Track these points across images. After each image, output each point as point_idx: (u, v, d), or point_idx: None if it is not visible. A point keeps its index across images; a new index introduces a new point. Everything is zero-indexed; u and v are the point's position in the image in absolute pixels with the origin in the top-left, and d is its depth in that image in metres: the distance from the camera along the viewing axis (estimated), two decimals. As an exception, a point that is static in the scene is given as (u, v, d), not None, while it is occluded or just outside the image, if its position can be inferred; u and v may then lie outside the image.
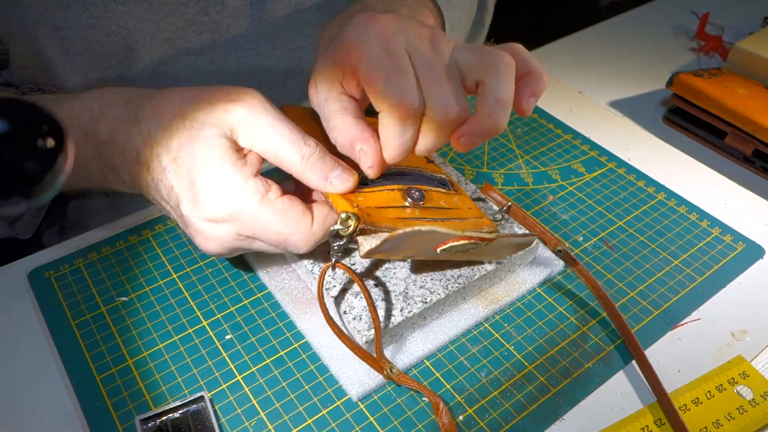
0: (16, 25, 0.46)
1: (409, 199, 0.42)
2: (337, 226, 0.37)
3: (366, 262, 0.44)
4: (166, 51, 0.51)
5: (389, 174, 0.43)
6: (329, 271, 0.44)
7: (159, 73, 0.52)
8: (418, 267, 0.44)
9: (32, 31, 0.47)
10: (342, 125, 0.38)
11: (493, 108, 0.36)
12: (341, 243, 0.38)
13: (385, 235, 0.37)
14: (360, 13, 0.38)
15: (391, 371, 0.39)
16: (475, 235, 0.37)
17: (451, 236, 0.37)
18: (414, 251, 0.41)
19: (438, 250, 0.38)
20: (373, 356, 0.39)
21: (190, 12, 0.50)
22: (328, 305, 0.43)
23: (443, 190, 0.45)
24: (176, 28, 0.50)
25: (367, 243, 0.38)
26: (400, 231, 0.36)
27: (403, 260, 0.44)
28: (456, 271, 0.44)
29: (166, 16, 0.49)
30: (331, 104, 0.38)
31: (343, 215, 0.37)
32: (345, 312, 0.41)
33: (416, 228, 0.36)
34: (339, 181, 0.39)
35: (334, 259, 0.40)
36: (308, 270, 0.44)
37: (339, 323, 0.42)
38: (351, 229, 0.37)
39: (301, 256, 0.44)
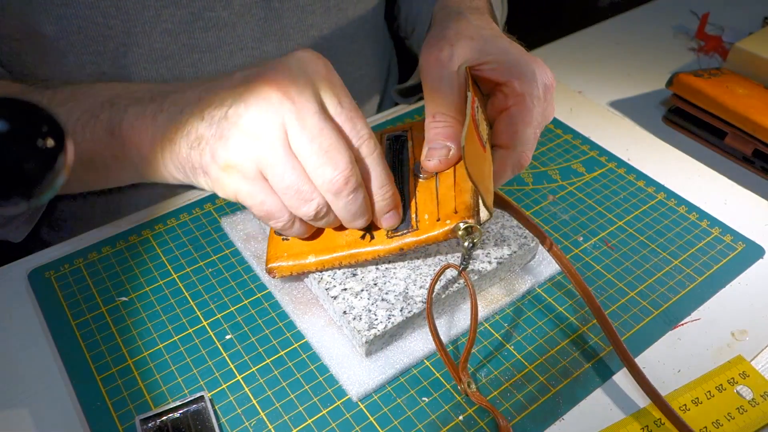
0: (14, 1, 0.46)
1: (426, 176, 0.42)
2: (467, 243, 0.39)
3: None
4: (169, 44, 0.51)
5: None
6: (327, 272, 0.44)
7: (161, 67, 0.52)
8: (418, 267, 0.44)
9: (30, 5, 0.46)
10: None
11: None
12: (474, 244, 0.39)
13: (486, 196, 0.39)
14: (534, 58, 0.44)
15: (470, 387, 0.38)
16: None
17: None
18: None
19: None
20: (455, 364, 0.39)
21: (195, 6, 0.50)
22: (327, 306, 0.43)
23: (409, 141, 0.46)
24: (179, 21, 0.50)
25: (484, 214, 0.40)
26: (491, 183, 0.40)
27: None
28: (456, 271, 0.44)
29: (168, 5, 0.49)
30: (454, 79, 0.42)
31: (460, 231, 0.39)
32: (345, 312, 0.41)
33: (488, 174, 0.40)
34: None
35: (462, 266, 0.40)
36: (308, 270, 0.44)
37: (339, 323, 0.42)
38: (473, 228, 0.39)
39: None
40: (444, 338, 0.43)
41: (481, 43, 0.44)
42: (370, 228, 0.42)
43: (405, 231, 0.41)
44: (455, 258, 0.45)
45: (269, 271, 0.43)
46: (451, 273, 0.43)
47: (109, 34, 0.49)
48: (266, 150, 0.37)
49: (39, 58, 0.50)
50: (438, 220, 0.40)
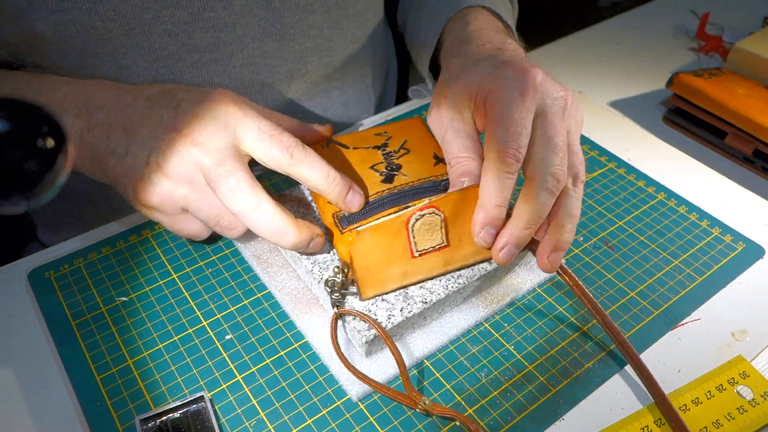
0: (9, 4, 0.46)
1: (413, 231, 0.41)
2: (330, 275, 0.41)
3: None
4: (168, 45, 0.51)
5: (386, 193, 0.45)
6: (327, 272, 0.44)
7: (160, 66, 0.52)
8: (418, 267, 0.44)
9: (26, 12, 0.46)
10: (461, 145, 0.44)
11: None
12: (337, 295, 0.41)
13: (384, 288, 0.42)
14: (513, 63, 0.44)
15: (425, 403, 0.38)
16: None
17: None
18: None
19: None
20: (403, 393, 0.39)
21: (194, 6, 0.50)
22: (327, 306, 0.43)
23: (453, 192, 0.44)
24: (178, 21, 0.50)
25: (370, 291, 0.41)
26: (394, 288, 0.42)
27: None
28: (456, 271, 0.44)
29: (167, 6, 0.49)
30: (457, 124, 0.44)
31: (341, 265, 0.41)
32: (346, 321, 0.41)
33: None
34: (355, 198, 0.44)
35: (334, 310, 0.41)
36: (308, 270, 0.44)
37: (339, 325, 0.42)
38: (342, 279, 0.41)
39: (301, 257, 0.44)
40: (444, 338, 0.43)
41: (470, 76, 0.45)
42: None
43: (338, 226, 0.44)
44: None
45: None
46: (451, 273, 0.43)
47: (108, 37, 0.49)
48: (184, 191, 0.41)
49: (38, 59, 0.50)
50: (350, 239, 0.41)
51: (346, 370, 0.40)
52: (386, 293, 0.42)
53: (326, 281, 0.41)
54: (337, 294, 0.41)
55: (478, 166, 0.43)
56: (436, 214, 0.41)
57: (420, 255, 0.41)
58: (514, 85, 0.42)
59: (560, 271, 0.42)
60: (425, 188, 0.45)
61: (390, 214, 0.41)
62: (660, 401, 0.39)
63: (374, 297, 0.42)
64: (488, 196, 0.40)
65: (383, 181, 0.46)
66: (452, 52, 0.51)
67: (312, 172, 0.42)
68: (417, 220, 0.40)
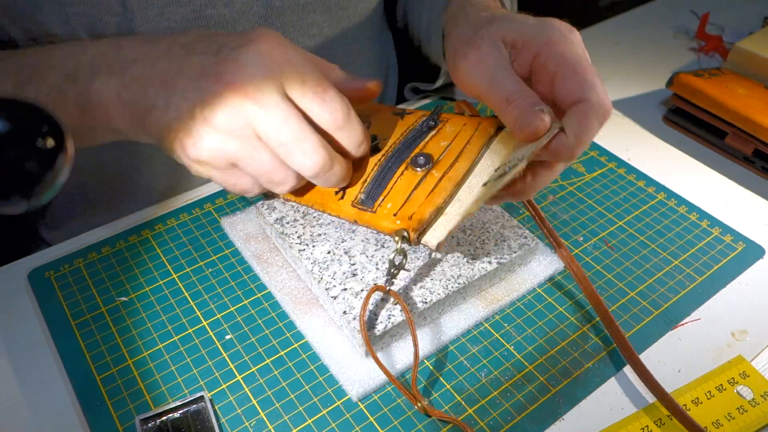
0: (23, 1, 0.46)
1: (419, 169, 0.42)
2: (399, 246, 0.40)
3: (362, 261, 0.44)
4: None
5: (383, 160, 0.44)
6: (327, 272, 0.44)
7: None
8: (417, 267, 0.44)
9: (38, 7, 0.47)
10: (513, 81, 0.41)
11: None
12: (402, 260, 0.40)
13: (445, 225, 0.39)
14: (555, 20, 0.43)
15: (424, 404, 0.38)
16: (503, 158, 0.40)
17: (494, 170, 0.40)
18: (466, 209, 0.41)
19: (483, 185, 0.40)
20: (408, 389, 0.39)
21: (197, 4, 0.50)
22: (327, 306, 0.43)
23: (434, 132, 0.45)
24: (181, 19, 0.50)
25: (433, 238, 0.39)
26: (459, 219, 0.39)
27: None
28: (456, 271, 0.44)
29: (170, 3, 0.49)
30: (504, 63, 0.42)
31: (396, 237, 0.39)
32: (345, 312, 0.41)
33: (468, 208, 0.39)
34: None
35: (388, 287, 0.40)
36: (308, 270, 0.44)
37: (339, 323, 0.42)
38: (410, 241, 0.39)
39: (302, 256, 0.44)
40: (444, 338, 0.43)
41: (499, 25, 0.43)
42: (346, 187, 0.44)
43: (366, 208, 0.42)
44: (455, 260, 0.45)
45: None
46: (451, 273, 0.43)
47: (116, 32, 0.49)
48: (236, 146, 0.38)
49: None
50: (395, 215, 0.40)
51: (346, 369, 0.41)
52: (450, 232, 0.40)
53: (395, 262, 0.40)
54: (396, 271, 0.40)
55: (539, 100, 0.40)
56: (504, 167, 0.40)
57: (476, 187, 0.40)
58: (564, 35, 0.42)
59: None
60: (415, 134, 0.45)
61: (402, 170, 0.42)
62: (660, 395, 0.39)
63: (445, 240, 0.40)
64: (585, 141, 0.40)
65: (373, 154, 0.45)
66: (463, 11, 0.49)
67: (349, 140, 0.40)
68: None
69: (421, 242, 0.39)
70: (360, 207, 0.42)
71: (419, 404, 0.38)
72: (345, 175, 0.41)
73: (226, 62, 0.38)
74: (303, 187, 0.44)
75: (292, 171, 0.40)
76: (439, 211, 0.40)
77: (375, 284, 0.41)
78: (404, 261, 0.40)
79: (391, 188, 0.42)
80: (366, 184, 0.43)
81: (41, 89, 0.43)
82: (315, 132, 0.39)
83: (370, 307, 0.41)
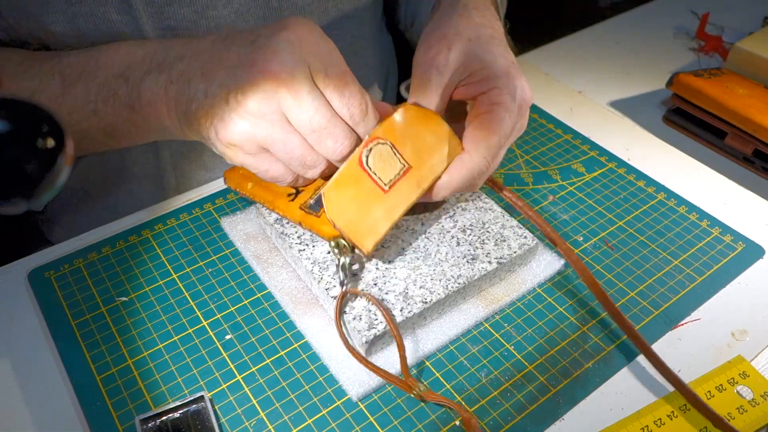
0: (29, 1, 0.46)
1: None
2: (339, 257, 0.42)
3: (362, 260, 0.44)
4: None
5: None
6: (327, 272, 0.44)
7: None
8: (418, 267, 0.44)
9: (45, 6, 0.47)
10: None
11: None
12: (347, 265, 0.42)
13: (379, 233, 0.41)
14: (520, 75, 0.44)
15: (420, 389, 0.39)
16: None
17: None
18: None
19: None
20: (400, 378, 0.40)
21: (198, 4, 0.50)
22: (327, 306, 0.43)
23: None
24: (181, 18, 0.50)
25: (366, 241, 0.41)
26: (387, 228, 0.41)
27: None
28: (456, 271, 0.44)
29: (172, 3, 0.49)
30: (443, 76, 0.44)
31: (332, 242, 0.42)
32: (345, 312, 0.41)
33: (399, 216, 0.42)
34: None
35: (344, 288, 0.41)
36: (308, 270, 0.44)
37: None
38: (348, 257, 0.42)
39: (302, 256, 0.44)
40: (444, 338, 0.43)
41: (475, 46, 0.44)
42: (298, 190, 0.45)
43: (311, 212, 0.44)
44: (455, 260, 0.45)
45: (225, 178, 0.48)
46: (451, 273, 0.43)
47: (122, 30, 0.49)
48: (267, 131, 0.40)
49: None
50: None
51: (346, 369, 0.40)
52: (383, 237, 0.41)
53: (340, 266, 0.41)
54: (344, 274, 0.41)
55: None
56: (381, 143, 0.41)
57: (390, 187, 0.42)
58: (519, 96, 0.43)
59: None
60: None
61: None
62: (676, 384, 0.40)
63: (375, 247, 0.41)
64: (456, 182, 0.42)
65: None
66: (455, 9, 0.49)
67: (373, 126, 0.42)
68: (367, 156, 0.41)
69: (354, 248, 0.42)
70: (307, 210, 0.44)
71: (414, 391, 0.39)
72: None
73: (261, 50, 0.39)
74: (257, 184, 0.46)
75: (322, 156, 0.41)
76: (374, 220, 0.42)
77: (341, 292, 0.41)
78: (353, 261, 0.42)
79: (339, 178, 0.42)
80: (318, 191, 0.44)
81: (90, 88, 0.45)
82: (343, 122, 0.40)
83: (370, 307, 0.41)
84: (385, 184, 0.41)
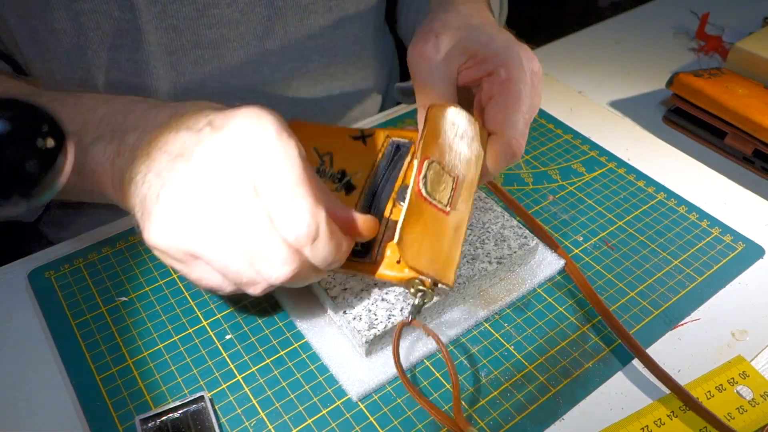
0: None
1: (401, 203, 0.38)
2: (416, 300, 0.38)
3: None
4: (174, 40, 0.51)
5: (362, 199, 0.42)
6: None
7: (165, 63, 0.52)
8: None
9: (48, 3, 0.47)
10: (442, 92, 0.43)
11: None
12: (424, 303, 0.38)
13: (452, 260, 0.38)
14: (522, 45, 0.43)
15: None
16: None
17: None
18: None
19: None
20: (451, 418, 0.37)
21: (200, 3, 0.50)
22: (327, 306, 0.43)
23: (408, 159, 0.43)
24: (184, 17, 0.51)
25: (449, 274, 0.38)
26: (460, 252, 0.39)
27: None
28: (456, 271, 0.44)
29: (174, 1, 0.49)
30: (443, 70, 0.43)
31: (412, 290, 0.38)
32: (345, 312, 0.41)
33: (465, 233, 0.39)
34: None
35: (411, 318, 0.38)
36: (308, 270, 0.44)
37: (339, 323, 0.42)
38: (429, 292, 0.37)
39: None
40: (444, 338, 0.43)
41: (466, 32, 0.44)
42: None
43: (361, 260, 0.39)
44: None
45: None
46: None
47: (125, 28, 0.49)
48: (196, 239, 0.34)
49: (58, 55, 0.50)
50: (398, 262, 0.38)
51: (346, 369, 0.40)
52: (459, 263, 0.39)
53: (416, 305, 0.38)
54: (417, 310, 0.38)
55: None
56: (429, 163, 0.38)
57: (450, 206, 0.39)
58: (528, 67, 0.42)
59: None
60: (387, 162, 0.44)
61: (390, 208, 0.40)
62: (672, 386, 0.40)
63: (456, 275, 0.38)
64: (496, 169, 0.42)
65: (348, 193, 0.43)
66: (442, 6, 0.49)
67: (315, 259, 0.35)
68: (424, 184, 0.37)
69: (439, 286, 0.37)
70: (356, 261, 0.39)
71: None
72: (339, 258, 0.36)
73: (204, 144, 0.34)
74: None
75: (261, 276, 0.35)
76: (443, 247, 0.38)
77: (402, 321, 0.39)
78: (427, 300, 0.38)
79: (384, 232, 0.39)
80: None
81: None
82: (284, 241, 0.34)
83: (370, 307, 0.41)
84: (445, 206, 0.38)
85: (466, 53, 0.43)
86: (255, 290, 0.36)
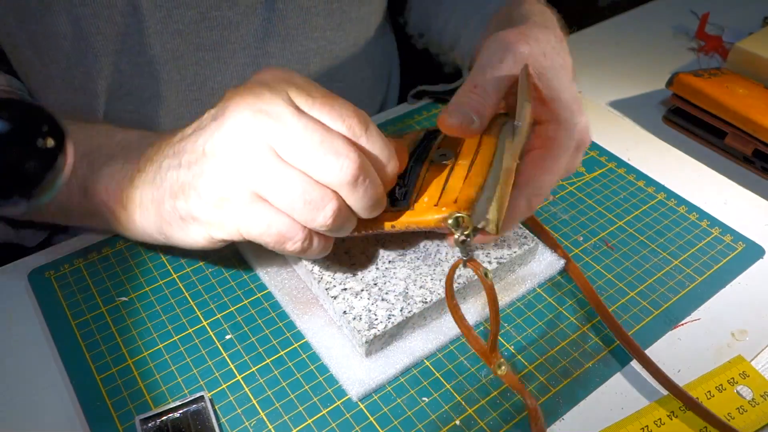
0: (34, 1, 0.46)
1: (445, 161, 0.40)
2: (457, 235, 0.36)
3: (362, 260, 0.44)
4: (179, 45, 0.52)
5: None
6: (327, 272, 0.44)
7: (171, 67, 0.53)
8: (418, 267, 0.44)
9: (48, 7, 0.47)
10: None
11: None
12: (469, 241, 0.36)
13: (495, 206, 0.36)
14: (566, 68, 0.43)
15: (499, 368, 0.37)
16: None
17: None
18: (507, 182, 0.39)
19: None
20: (486, 347, 0.38)
21: (203, 6, 0.50)
22: (327, 306, 0.43)
23: (440, 137, 0.44)
24: (188, 21, 0.51)
25: (492, 221, 0.36)
26: (506, 197, 0.37)
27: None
28: (456, 271, 0.44)
29: (179, 6, 0.49)
30: (497, 75, 0.40)
31: (450, 221, 0.36)
32: (345, 312, 0.41)
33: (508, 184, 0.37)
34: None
35: (465, 258, 0.37)
36: (308, 270, 0.44)
37: (339, 323, 0.42)
38: (467, 224, 0.36)
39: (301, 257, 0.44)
40: (444, 338, 0.43)
41: (549, 65, 0.41)
42: None
43: (400, 208, 0.39)
44: (453, 258, 0.45)
45: None
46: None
47: (128, 33, 0.49)
48: (255, 170, 0.34)
49: (57, 63, 0.50)
50: (435, 205, 0.38)
51: (346, 369, 0.40)
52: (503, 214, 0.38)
53: (463, 241, 0.36)
54: (468, 240, 0.36)
55: (492, 113, 0.40)
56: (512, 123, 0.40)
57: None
58: (578, 136, 0.42)
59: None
60: (423, 144, 0.44)
61: (426, 168, 0.41)
62: (670, 387, 0.40)
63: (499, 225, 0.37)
64: (512, 222, 0.40)
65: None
66: (532, 16, 0.48)
67: (374, 149, 0.36)
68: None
69: (480, 225, 0.36)
70: (394, 210, 0.39)
71: (493, 367, 0.37)
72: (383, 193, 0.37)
73: (233, 92, 0.37)
74: None
75: (326, 186, 0.35)
76: (481, 192, 0.37)
77: (455, 262, 0.38)
78: (469, 234, 0.36)
79: (422, 185, 0.40)
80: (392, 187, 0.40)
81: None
82: (341, 134, 0.35)
83: (371, 307, 0.41)
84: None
85: (532, 82, 0.41)
86: (324, 217, 0.35)
